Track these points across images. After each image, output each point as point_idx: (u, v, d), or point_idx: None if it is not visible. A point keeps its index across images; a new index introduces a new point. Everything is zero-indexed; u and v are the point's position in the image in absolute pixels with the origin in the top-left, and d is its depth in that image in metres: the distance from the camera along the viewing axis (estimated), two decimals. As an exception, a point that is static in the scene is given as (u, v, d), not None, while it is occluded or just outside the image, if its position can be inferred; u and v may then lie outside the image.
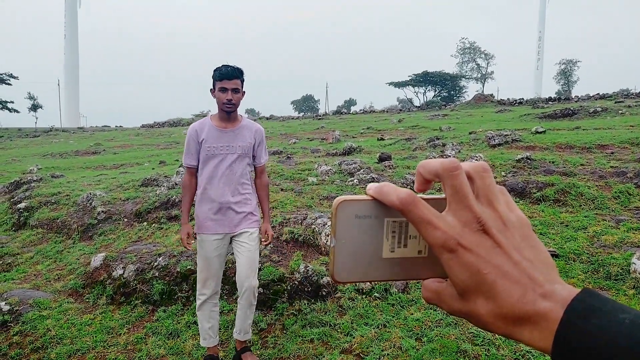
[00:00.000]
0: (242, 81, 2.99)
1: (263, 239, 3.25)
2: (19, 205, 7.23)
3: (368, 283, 3.87)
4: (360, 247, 0.42)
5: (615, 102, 20.11)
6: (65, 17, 75.43)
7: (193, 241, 3.20)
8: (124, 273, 4.40)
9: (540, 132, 9.39)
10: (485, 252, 0.38)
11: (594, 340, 0.32)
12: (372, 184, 0.43)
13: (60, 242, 6.03)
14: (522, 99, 33.52)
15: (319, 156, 10.32)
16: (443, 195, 0.41)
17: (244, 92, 3.04)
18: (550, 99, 31.43)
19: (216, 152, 2.98)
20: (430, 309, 3.49)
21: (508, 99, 34.76)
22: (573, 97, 35.34)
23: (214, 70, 2.97)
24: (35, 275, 5.02)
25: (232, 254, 3.21)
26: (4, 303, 4.03)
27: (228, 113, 2.97)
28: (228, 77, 2.90)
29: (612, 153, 7.09)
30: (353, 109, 77.97)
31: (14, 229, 6.83)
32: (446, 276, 0.40)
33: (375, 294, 3.77)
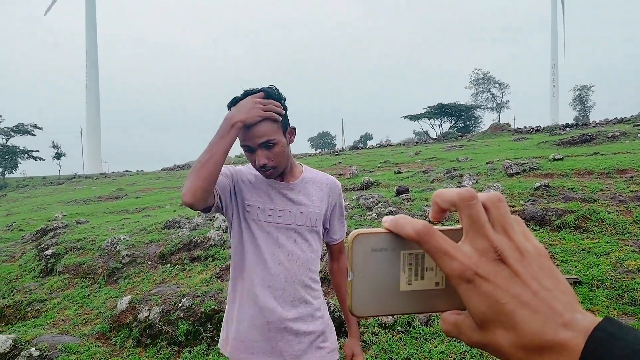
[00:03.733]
0: (282, 115, 1.66)
1: None
2: (46, 252, 7.40)
3: (390, 317, 3.88)
4: (377, 280, 0.42)
5: (634, 126, 19.91)
6: (86, 68, 77.96)
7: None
8: (149, 315, 4.48)
9: (558, 159, 9.37)
10: (503, 281, 0.37)
11: None
12: (387, 216, 0.44)
13: (86, 287, 6.14)
14: (539, 126, 33.40)
15: (337, 192, 10.38)
16: (459, 226, 0.42)
17: (292, 128, 1.75)
18: (567, 125, 31.26)
19: (261, 220, 1.75)
20: (454, 341, 3.48)
21: (525, 127, 34.66)
22: (591, 122, 35.11)
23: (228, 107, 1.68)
24: (63, 320, 5.11)
25: None
26: (34, 349, 4.12)
27: (269, 177, 1.75)
28: (248, 127, 1.61)
29: (632, 177, 7.04)
30: (369, 143, 78.33)
31: (41, 275, 6.97)
32: (464, 307, 0.40)
33: (399, 328, 3.78)
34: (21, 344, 4.22)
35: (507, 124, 36.30)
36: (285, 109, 1.69)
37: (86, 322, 4.93)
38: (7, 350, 4.15)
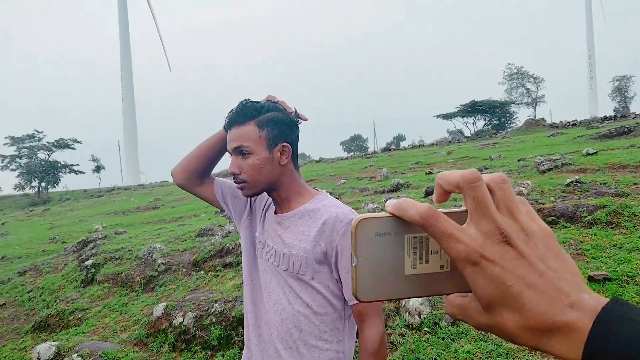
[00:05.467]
0: (262, 126, 1.43)
1: None
2: (86, 263, 7.69)
3: (417, 318, 3.91)
4: (381, 265, 0.42)
5: (675, 115, 19.25)
6: (122, 82, 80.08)
7: None
8: (183, 320, 4.62)
9: (592, 154, 9.18)
10: (510, 263, 0.37)
11: (625, 351, 0.32)
12: (390, 200, 0.43)
13: (125, 295, 6.36)
14: (576, 120, 32.57)
15: (367, 195, 10.43)
16: (463, 208, 0.41)
17: (286, 146, 1.47)
18: (605, 117, 30.41)
19: (262, 255, 1.58)
20: (481, 340, 3.48)
21: (561, 121, 33.84)
22: (631, 113, 34.03)
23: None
24: (103, 327, 5.31)
25: None
26: (75, 355, 4.30)
27: (244, 194, 1.52)
28: (228, 125, 1.49)
29: (669, 169, 6.85)
30: (402, 144, 77.84)
31: (83, 285, 7.24)
32: (469, 290, 0.40)
33: (425, 329, 3.80)
34: (64, 351, 4.42)
35: (542, 119, 35.49)
36: (285, 122, 1.48)
37: (124, 329, 5.11)
38: (51, 357, 4.36)
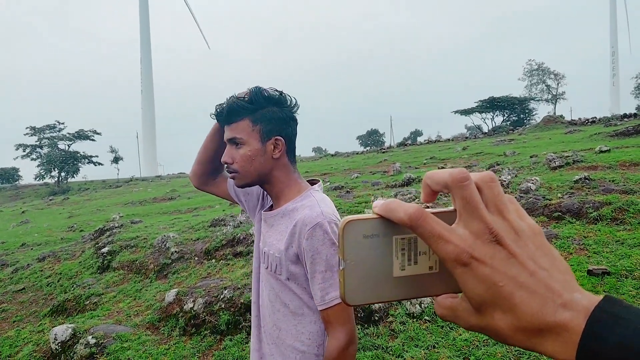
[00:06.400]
0: (256, 121, 1.44)
1: None
2: (102, 250, 7.91)
3: (418, 306, 4.02)
4: (370, 267, 0.41)
5: (696, 114, 18.95)
6: (141, 75, 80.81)
7: None
8: (194, 306, 4.78)
9: (604, 151, 9.15)
10: (500, 263, 0.37)
11: (619, 351, 0.31)
12: (377, 201, 0.43)
13: (139, 282, 6.56)
14: (595, 117, 32.17)
15: (379, 189, 10.52)
16: (451, 208, 0.41)
17: (278, 139, 1.47)
18: (625, 115, 29.98)
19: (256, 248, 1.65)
20: (479, 329, 3.59)
21: (579, 118, 33.46)
22: (651, 111, 33.47)
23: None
24: (117, 312, 5.51)
25: None
26: (90, 337, 4.49)
27: (236, 184, 1.55)
28: (220, 122, 1.54)
29: (680, 167, 6.83)
30: (419, 139, 77.45)
31: (99, 271, 7.46)
32: (459, 291, 0.40)
33: (426, 317, 3.91)
34: (79, 333, 4.61)
35: (561, 116, 35.13)
36: (280, 117, 1.47)
37: (138, 314, 5.30)
38: (67, 338, 4.55)
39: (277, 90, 1.49)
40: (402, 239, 0.42)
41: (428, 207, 0.42)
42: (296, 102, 1.52)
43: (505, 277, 0.36)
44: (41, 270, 8.14)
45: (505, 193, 0.40)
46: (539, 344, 0.36)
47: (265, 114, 1.44)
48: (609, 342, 0.32)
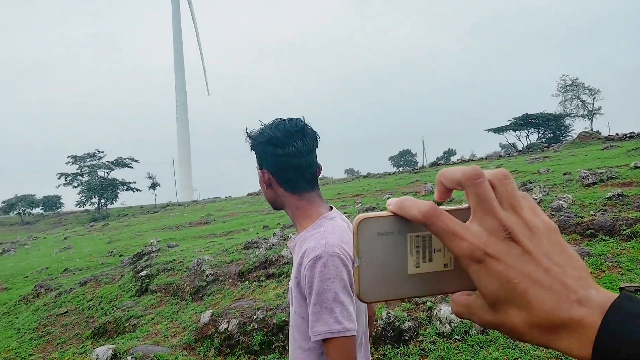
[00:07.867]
0: (257, 154, 1.54)
1: None
2: (141, 274, 8.17)
3: (448, 326, 4.05)
4: (385, 265, 0.41)
5: None
6: (176, 102, 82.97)
7: None
8: (228, 327, 4.92)
9: (640, 167, 8.98)
10: (514, 260, 0.37)
11: (636, 348, 0.31)
12: (392, 199, 0.42)
13: (175, 304, 6.74)
14: (633, 132, 31.33)
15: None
16: (465, 206, 0.41)
17: (263, 171, 1.53)
18: (665, 129, 29.02)
19: None
20: (509, 347, 3.59)
21: (617, 134, 32.62)
22: (693, 124, 32.30)
23: None
24: (155, 333, 5.69)
25: None
26: (130, 357, 4.66)
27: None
28: None
29: None
30: (452, 159, 76.67)
31: (137, 294, 7.70)
32: (474, 288, 0.40)
33: (456, 337, 3.94)
34: (120, 353, 4.79)
35: (597, 131, 34.41)
36: (260, 150, 1.51)
37: (175, 335, 5.46)
38: (109, 358, 4.74)
39: (282, 122, 1.48)
40: (416, 236, 0.42)
41: (442, 205, 0.41)
42: (292, 134, 1.46)
43: (519, 274, 0.36)
44: (83, 294, 8.45)
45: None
46: (553, 341, 0.36)
47: (257, 148, 1.52)
48: (625, 339, 0.31)
